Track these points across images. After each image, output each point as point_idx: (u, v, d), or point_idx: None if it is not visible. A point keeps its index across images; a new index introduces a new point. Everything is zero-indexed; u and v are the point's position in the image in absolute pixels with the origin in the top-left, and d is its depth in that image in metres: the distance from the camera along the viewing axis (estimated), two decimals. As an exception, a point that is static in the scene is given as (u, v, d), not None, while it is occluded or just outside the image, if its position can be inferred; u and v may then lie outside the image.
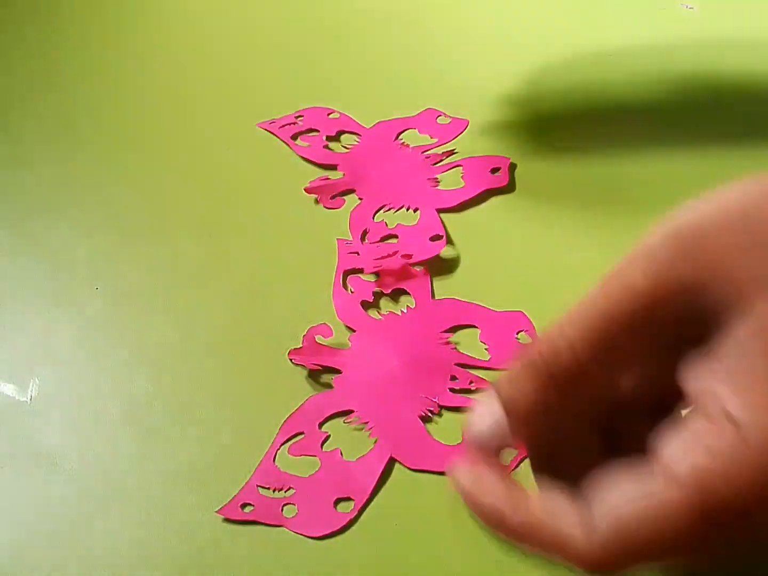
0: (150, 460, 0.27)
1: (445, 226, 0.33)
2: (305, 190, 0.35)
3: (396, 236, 0.33)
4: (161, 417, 0.28)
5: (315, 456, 0.26)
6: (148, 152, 0.38)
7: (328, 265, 0.32)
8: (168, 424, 0.28)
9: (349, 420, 0.27)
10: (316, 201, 0.35)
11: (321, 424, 0.27)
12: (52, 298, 0.32)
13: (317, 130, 0.39)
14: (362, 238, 0.33)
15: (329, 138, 0.38)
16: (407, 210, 0.35)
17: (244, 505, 0.25)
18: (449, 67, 0.41)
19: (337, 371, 0.29)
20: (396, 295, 0.31)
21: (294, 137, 0.38)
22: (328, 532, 0.25)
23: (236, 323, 0.31)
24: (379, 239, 0.33)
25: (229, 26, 0.46)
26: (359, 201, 0.35)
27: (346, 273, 0.32)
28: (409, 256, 0.32)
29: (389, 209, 0.35)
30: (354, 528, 0.25)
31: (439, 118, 0.39)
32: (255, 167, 0.37)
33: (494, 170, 0.36)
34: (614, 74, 0.40)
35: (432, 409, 0.27)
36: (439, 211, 0.34)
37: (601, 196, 0.34)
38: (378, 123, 0.39)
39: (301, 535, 0.25)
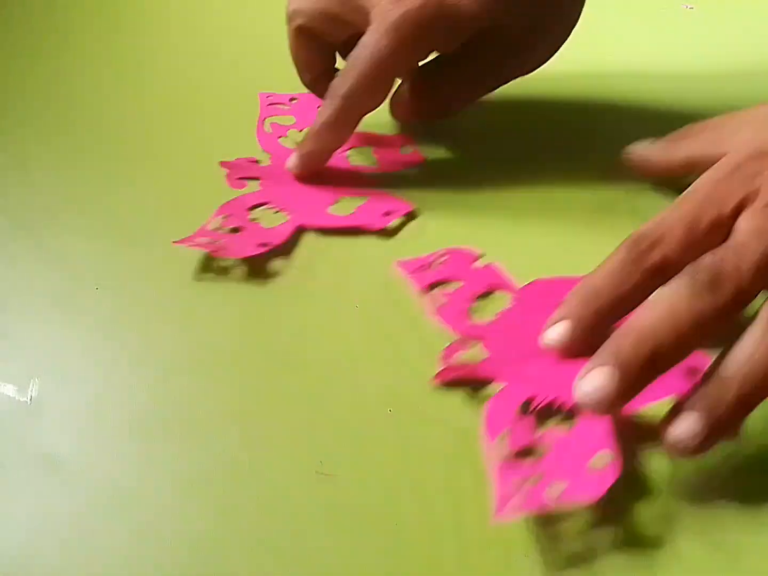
0: (152, 463, 0.26)
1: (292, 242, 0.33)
2: (220, 163, 0.35)
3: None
4: (162, 418, 0.28)
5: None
6: (148, 153, 0.38)
7: (332, 268, 0.32)
8: (170, 426, 0.27)
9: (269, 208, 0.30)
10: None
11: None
12: (52, 299, 0.32)
13: (293, 118, 0.39)
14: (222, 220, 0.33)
15: (297, 132, 0.38)
16: (279, 213, 0.34)
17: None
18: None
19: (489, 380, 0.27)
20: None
21: (265, 120, 0.39)
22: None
23: (240, 325, 0.30)
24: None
25: (230, 26, 0.46)
26: (258, 189, 0.35)
27: (429, 286, 0.31)
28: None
29: (270, 208, 0.34)
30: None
31: (404, 148, 0.38)
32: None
33: (388, 213, 0.34)
34: (613, 74, 0.40)
35: None
36: (300, 227, 0.34)
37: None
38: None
39: None
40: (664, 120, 0.38)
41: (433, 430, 0.26)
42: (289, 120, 0.39)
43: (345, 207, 0.35)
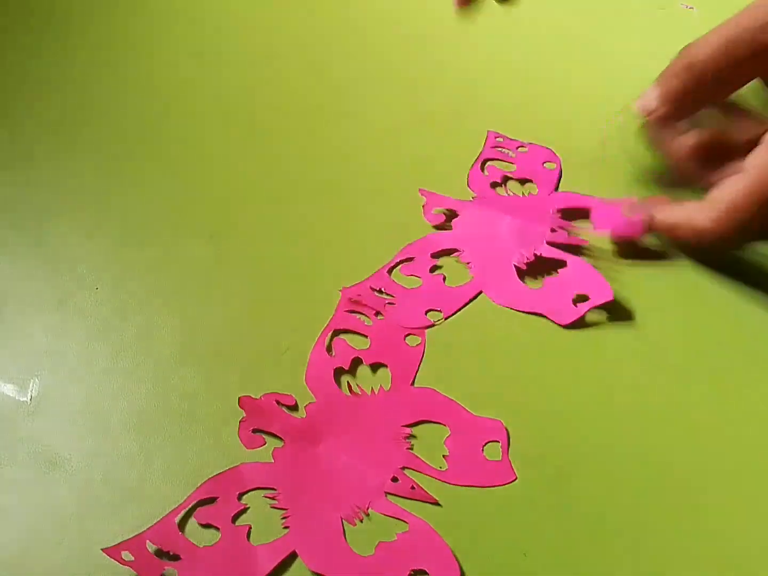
0: (151, 461, 0.27)
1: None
2: (420, 191, 0.34)
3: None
4: (162, 417, 0.28)
5: (219, 528, 0.25)
6: (149, 153, 0.38)
7: (330, 275, 0.32)
8: (169, 424, 0.27)
9: (270, 495, 0.25)
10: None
11: (241, 495, 0.25)
12: (53, 299, 0.32)
13: (514, 166, 0.35)
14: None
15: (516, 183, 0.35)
16: (466, 268, 0.32)
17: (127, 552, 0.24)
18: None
19: (279, 439, 0.27)
20: (376, 367, 0.29)
21: (485, 161, 0.36)
22: None
23: (239, 325, 0.30)
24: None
25: (231, 25, 0.46)
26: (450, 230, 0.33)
27: (336, 332, 0.30)
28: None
29: (456, 257, 0.32)
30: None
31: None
32: (261, 169, 0.37)
33: (581, 298, 0.31)
34: (612, 73, 0.40)
35: (358, 518, 0.25)
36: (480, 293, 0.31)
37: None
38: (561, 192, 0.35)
39: None
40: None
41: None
42: (510, 167, 0.35)
43: (537, 270, 0.31)
